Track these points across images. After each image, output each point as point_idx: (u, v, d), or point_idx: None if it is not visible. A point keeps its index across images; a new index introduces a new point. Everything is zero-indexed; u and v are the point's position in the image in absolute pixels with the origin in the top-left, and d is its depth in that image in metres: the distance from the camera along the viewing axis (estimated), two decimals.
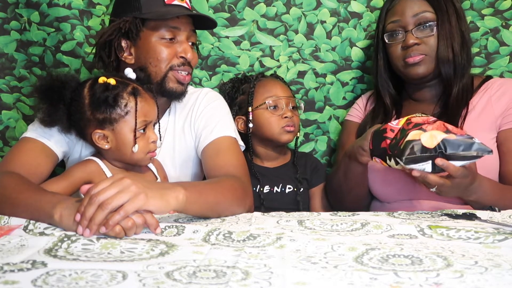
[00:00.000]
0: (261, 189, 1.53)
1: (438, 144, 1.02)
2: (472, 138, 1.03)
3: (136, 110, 1.14)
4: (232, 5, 1.63)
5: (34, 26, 1.60)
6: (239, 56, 1.65)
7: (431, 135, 1.04)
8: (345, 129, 1.59)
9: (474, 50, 1.59)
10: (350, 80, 1.66)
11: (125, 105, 1.15)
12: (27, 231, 0.91)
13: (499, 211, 1.12)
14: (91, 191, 0.87)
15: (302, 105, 1.61)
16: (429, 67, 1.36)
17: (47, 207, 0.94)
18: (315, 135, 1.71)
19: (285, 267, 0.71)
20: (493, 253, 0.77)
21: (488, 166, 1.27)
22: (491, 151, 1.02)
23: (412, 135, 1.06)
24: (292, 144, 1.63)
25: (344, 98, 1.68)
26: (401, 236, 0.89)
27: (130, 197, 0.86)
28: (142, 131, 1.17)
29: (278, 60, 1.66)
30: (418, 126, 1.07)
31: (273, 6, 1.64)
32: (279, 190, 1.53)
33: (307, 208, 1.55)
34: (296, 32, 1.65)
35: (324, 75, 1.67)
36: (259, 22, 1.64)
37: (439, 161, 1.03)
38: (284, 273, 0.68)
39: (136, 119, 1.14)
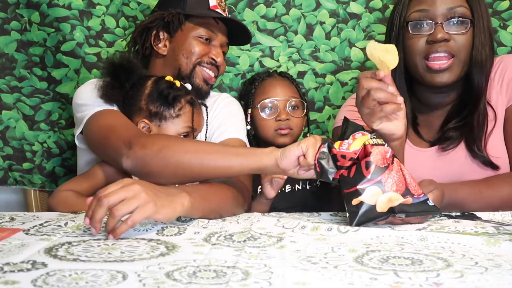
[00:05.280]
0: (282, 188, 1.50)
1: (392, 208, 0.95)
2: (427, 199, 0.97)
3: (192, 120, 1.24)
4: (232, 6, 1.63)
5: (34, 26, 1.60)
6: (239, 57, 1.66)
7: (389, 200, 0.95)
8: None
9: None
10: (350, 80, 1.67)
11: (179, 109, 1.23)
12: (29, 234, 0.91)
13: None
14: (100, 193, 0.87)
15: (304, 104, 1.57)
16: (456, 73, 1.20)
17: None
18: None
19: (285, 267, 0.71)
20: (494, 253, 0.77)
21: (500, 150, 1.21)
22: (439, 210, 0.98)
23: (369, 194, 0.94)
24: None
25: (343, 98, 1.68)
26: (402, 230, 0.90)
27: (139, 205, 0.85)
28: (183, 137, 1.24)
29: (278, 61, 1.66)
30: (378, 174, 0.95)
31: (273, 7, 1.64)
32: (288, 190, 1.51)
33: (326, 204, 1.49)
34: (296, 32, 1.65)
35: (324, 75, 1.67)
36: (259, 23, 1.65)
37: (397, 220, 0.96)
38: (284, 273, 0.68)
39: (193, 125, 1.25)
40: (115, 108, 1.26)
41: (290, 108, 1.53)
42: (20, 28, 1.63)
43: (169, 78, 1.27)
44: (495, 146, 1.22)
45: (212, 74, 1.39)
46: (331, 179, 0.99)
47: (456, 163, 1.24)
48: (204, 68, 1.37)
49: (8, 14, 1.62)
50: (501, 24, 1.57)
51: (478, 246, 0.82)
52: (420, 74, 1.23)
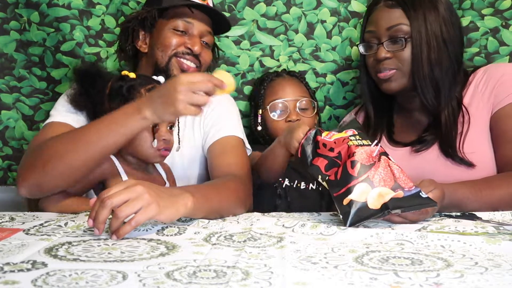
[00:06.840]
0: (292, 184, 1.49)
1: (385, 204, 0.93)
2: (419, 191, 0.97)
3: None
4: (232, 5, 1.63)
5: (33, 26, 1.60)
6: (239, 56, 1.65)
7: (379, 195, 0.94)
8: None
9: (474, 50, 1.59)
10: (351, 80, 1.66)
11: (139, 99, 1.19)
12: (29, 234, 0.91)
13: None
14: (103, 195, 0.86)
15: (315, 104, 1.58)
16: (401, 82, 1.28)
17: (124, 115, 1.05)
18: None
19: (285, 267, 0.71)
20: (494, 253, 0.78)
21: (485, 156, 1.23)
22: (436, 203, 0.97)
23: (359, 192, 0.95)
24: None
25: (344, 98, 1.68)
26: (402, 230, 0.90)
27: (142, 206, 0.86)
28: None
29: (278, 60, 1.66)
30: (365, 171, 0.96)
31: (273, 5, 1.64)
32: (303, 187, 1.49)
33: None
34: (296, 31, 1.65)
35: (324, 75, 1.67)
36: (259, 22, 1.64)
37: (396, 218, 0.97)
38: (284, 273, 0.68)
39: None
40: (69, 117, 1.24)
41: (300, 108, 1.53)
42: (19, 28, 1.63)
43: (124, 72, 1.25)
44: (469, 143, 1.25)
45: (192, 64, 1.37)
46: (309, 163, 1.03)
47: (429, 161, 1.27)
48: (181, 59, 1.36)
49: (8, 14, 1.62)
50: (503, 23, 1.57)
51: (478, 246, 0.82)
52: (378, 84, 1.34)
